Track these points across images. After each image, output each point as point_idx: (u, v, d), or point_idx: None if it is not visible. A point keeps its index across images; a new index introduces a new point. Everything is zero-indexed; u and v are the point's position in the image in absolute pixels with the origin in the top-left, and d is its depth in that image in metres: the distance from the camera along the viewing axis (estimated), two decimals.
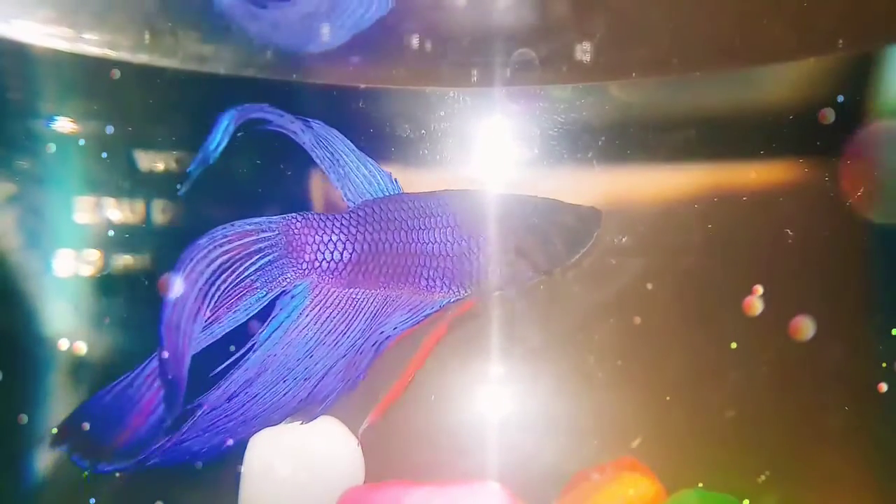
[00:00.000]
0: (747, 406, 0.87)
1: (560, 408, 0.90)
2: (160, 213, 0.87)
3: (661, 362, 0.89)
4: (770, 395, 0.88)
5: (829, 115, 0.83)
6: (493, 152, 0.88)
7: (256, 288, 0.74)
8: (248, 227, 0.74)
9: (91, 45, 0.84)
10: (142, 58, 0.85)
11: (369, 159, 0.79)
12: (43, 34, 0.83)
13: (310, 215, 0.77)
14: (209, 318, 0.72)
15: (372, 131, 0.87)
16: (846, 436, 0.88)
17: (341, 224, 0.77)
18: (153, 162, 0.87)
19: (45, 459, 0.84)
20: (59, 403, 0.85)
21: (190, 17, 0.83)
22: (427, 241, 0.78)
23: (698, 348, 0.90)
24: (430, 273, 0.79)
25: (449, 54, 0.85)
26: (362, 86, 0.87)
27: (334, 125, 0.78)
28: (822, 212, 0.89)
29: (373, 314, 0.77)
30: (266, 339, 0.74)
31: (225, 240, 0.72)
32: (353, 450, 0.79)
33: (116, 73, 0.84)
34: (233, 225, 0.73)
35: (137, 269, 0.87)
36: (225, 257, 0.72)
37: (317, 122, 0.78)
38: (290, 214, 0.76)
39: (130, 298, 0.87)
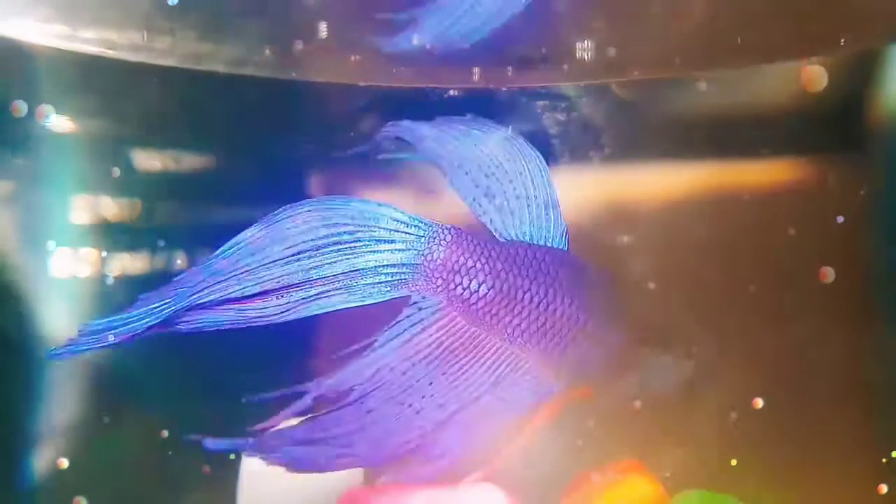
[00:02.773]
0: (748, 407, 0.87)
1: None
2: (160, 212, 0.87)
3: (661, 362, 0.89)
4: (770, 396, 0.88)
5: (829, 275, 0.84)
6: None
7: (377, 280, 0.67)
8: (393, 214, 0.68)
9: (89, 43, 0.84)
10: (140, 57, 0.84)
11: (552, 199, 0.72)
12: (41, 33, 0.83)
13: (462, 232, 0.69)
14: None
15: (372, 131, 0.87)
16: (846, 435, 0.88)
17: (490, 255, 0.70)
18: (152, 161, 0.87)
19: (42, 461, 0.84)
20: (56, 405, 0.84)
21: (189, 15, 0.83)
22: (570, 315, 0.71)
23: (699, 348, 0.89)
24: (564, 345, 0.71)
25: (449, 54, 0.85)
26: (361, 83, 0.87)
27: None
28: (822, 212, 0.89)
29: (493, 369, 0.70)
30: (385, 344, 0.68)
31: (354, 210, 0.67)
32: None
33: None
34: (378, 205, 0.68)
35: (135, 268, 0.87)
36: (343, 229, 0.66)
37: (513, 138, 0.74)
38: (442, 224, 0.69)
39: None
